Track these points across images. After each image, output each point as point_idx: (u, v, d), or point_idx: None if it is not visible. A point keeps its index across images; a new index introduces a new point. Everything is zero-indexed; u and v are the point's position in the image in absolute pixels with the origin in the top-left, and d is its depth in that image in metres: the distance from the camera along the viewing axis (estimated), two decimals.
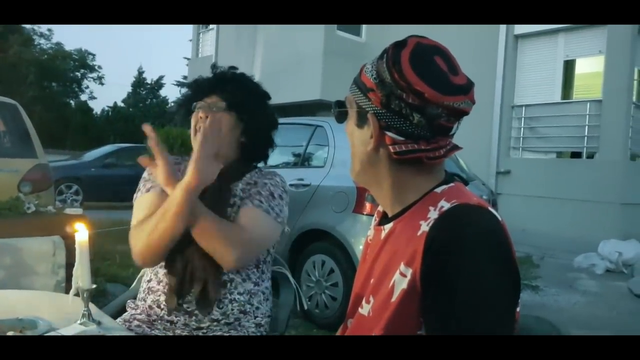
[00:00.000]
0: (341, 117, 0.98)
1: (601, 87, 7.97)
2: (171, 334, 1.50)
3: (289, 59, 11.31)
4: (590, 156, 8.20)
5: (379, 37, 11.04)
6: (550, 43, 8.60)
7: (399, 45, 0.88)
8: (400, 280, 0.84)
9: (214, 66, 1.69)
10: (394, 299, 0.85)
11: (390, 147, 0.88)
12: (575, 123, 8.23)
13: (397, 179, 0.92)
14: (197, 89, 1.64)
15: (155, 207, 1.45)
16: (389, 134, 0.88)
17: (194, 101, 1.61)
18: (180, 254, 1.49)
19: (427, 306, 0.81)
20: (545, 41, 8.69)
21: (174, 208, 1.35)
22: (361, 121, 0.93)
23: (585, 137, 8.11)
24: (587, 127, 8.08)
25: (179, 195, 1.35)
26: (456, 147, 0.92)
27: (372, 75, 0.89)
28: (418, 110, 0.84)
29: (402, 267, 0.85)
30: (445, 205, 0.85)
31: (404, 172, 0.91)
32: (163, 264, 1.54)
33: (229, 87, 1.61)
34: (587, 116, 8.08)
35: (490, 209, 0.86)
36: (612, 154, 7.66)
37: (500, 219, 0.86)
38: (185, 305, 1.50)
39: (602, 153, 7.87)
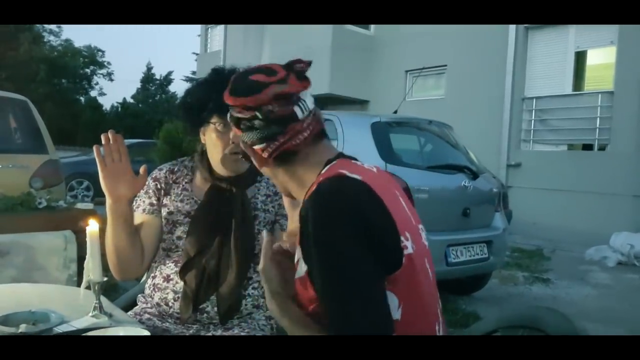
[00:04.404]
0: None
1: (613, 79, 7.88)
2: (182, 327, 1.50)
3: (297, 53, 11.09)
4: (602, 148, 8.12)
5: (388, 29, 10.99)
6: (561, 34, 8.51)
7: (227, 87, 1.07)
8: (300, 252, 0.98)
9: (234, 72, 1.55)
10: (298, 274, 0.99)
11: (264, 154, 1.04)
12: (587, 115, 8.15)
13: (293, 175, 1.07)
14: (222, 105, 1.51)
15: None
16: (256, 147, 1.04)
17: (215, 113, 1.51)
18: (196, 263, 1.50)
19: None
20: (556, 32, 8.60)
21: (109, 229, 1.46)
22: (245, 149, 1.10)
23: (597, 129, 8.03)
24: (598, 118, 8.00)
25: (108, 217, 1.45)
26: (319, 124, 1.05)
27: (228, 117, 1.08)
28: (253, 118, 1.01)
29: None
30: (315, 185, 0.98)
31: (294, 169, 1.06)
32: (166, 262, 1.55)
33: None
34: (599, 108, 7.99)
35: (351, 175, 0.97)
36: (623, 145, 7.58)
37: (359, 182, 0.96)
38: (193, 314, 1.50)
39: (614, 145, 7.79)
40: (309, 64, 1.07)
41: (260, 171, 1.12)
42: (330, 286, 0.89)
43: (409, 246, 0.95)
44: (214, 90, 1.51)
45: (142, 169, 1.44)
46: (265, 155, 1.04)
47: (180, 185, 1.60)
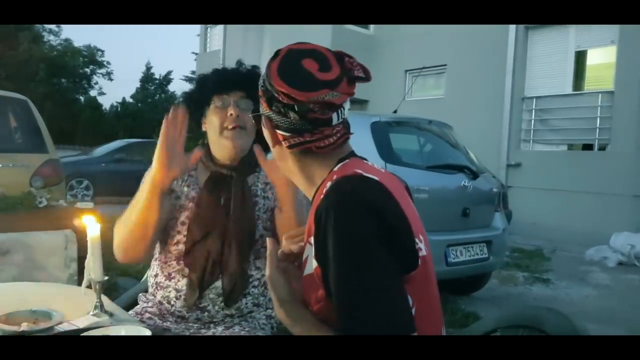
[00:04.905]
0: (256, 120, 1.12)
1: (613, 78, 7.88)
2: (183, 326, 1.51)
3: None
4: (602, 148, 8.12)
5: (387, 29, 10.98)
6: (562, 34, 8.51)
7: (274, 56, 1.04)
8: (310, 249, 0.97)
9: (240, 63, 1.66)
10: (309, 270, 0.97)
11: (284, 143, 1.03)
12: (587, 115, 8.15)
13: (303, 167, 1.06)
14: (220, 83, 1.59)
15: None
16: (279, 131, 1.02)
17: (214, 93, 1.58)
18: (199, 247, 1.51)
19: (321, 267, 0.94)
20: (556, 32, 8.60)
21: (142, 201, 1.44)
22: (263, 124, 1.08)
23: (597, 129, 8.03)
24: (598, 118, 8.00)
25: (146, 188, 1.43)
26: (347, 134, 1.04)
27: (260, 85, 1.05)
28: (290, 108, 0.98)
29: (311, 240, 0.97)
30: (329, 182, 0.98)
31: (306, 161, 1.05)
32: (167, 258, 1.55)
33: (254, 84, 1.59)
34: (599, 108, 7.99)
35: (368, 175, 0.97)
36: (624, 145, 7.58)
37: (377, 182, 0.96)
38: (197, 301, 1.51)
39: (614, 145, 7.79)
40: (367, 74, 1.04)
41: (271, 148, 1.10)
42: (352, 284, 0.88)
43: (422, 248, 0.95)
44: (212, 78, 1.61)
45: (196, 150, 1.48)
46: (285, 144, 1.02)
47: (187, 172, 1.62)
